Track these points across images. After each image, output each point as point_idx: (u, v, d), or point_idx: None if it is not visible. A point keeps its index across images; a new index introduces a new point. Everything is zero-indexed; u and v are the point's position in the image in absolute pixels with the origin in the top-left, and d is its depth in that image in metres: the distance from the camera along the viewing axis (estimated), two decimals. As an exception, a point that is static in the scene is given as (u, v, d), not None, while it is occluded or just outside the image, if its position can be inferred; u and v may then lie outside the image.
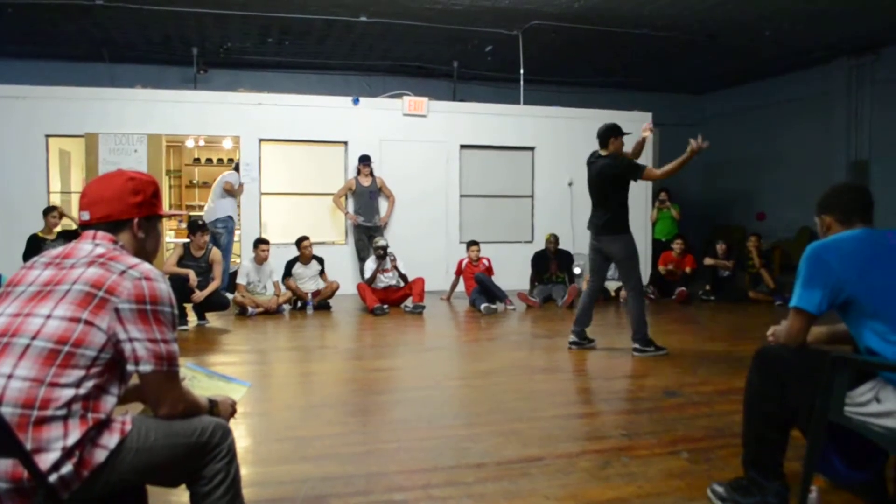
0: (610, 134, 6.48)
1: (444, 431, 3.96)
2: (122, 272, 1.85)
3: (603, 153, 6.49)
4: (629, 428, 4.02)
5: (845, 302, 2.58)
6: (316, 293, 8.96)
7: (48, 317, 1.78)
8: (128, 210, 2.04)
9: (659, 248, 11.39)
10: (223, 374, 2.59)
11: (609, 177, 6.42)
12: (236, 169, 10.34)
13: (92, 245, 1.96)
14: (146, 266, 1.91)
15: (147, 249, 2.10)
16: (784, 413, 2.74)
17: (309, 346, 6.83)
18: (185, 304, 7.61)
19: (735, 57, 12.86)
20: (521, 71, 11.60)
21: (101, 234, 1.99)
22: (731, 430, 3.94)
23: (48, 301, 1.81)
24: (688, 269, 10.08)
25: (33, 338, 1.75)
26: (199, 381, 2.37)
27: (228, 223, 9.95)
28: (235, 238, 10.50)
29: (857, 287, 2.54)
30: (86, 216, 2.03)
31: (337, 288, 9.15)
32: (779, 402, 2.73)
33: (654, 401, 4.69)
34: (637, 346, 6.08)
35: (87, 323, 1.78)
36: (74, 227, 8.84)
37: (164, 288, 1.89)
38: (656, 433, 3.92)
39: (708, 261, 10.17)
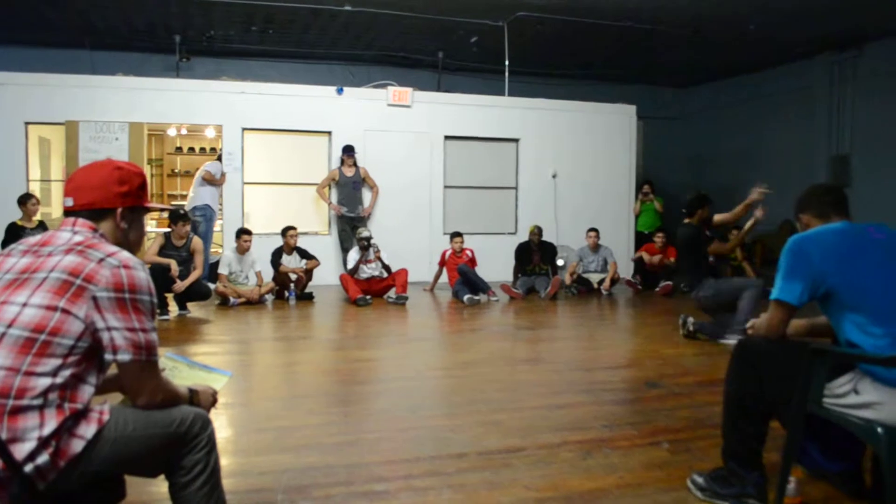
0: (696, 204, 6.83)
1: (426, 422, 3.96)
2: (101, 260, 1.83)
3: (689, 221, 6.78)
4: (610, 419, 4.03)
5: (826, 294, 2.60)
6: (297, 281, 8.91)
7: (24, 305, 1.75)
8: (112, 199, 2.01)
9: (642, 240, 11.46)
10: (204, 363, 2.57)
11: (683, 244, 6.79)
12: (219, 159, 10.26)
13: (70, 233, 1.93)
14: (125, 254, 1.89)
15: (129, 241, 2.07)
16: (763, 404, 2.77)
17: (291, 337, 6.81)
18: (167, 294, 7.56)
19: (719, 51, 12.89)
20: (507, 62, 11.58)
21: (80, 221, 1.96)
22: (711, 421, 3.96)
23: (25, 289, 1.79)
24: (670, 261, 10.11)
25: (9, 326, 1.73)
26: (179, 371, 2.35)
27: (207, 211, 9.88)
28: (217, 228, 10.43)
29: (837, 279, 2.56)
30: (69, 202, 2.00)
31: (317, 265, 9.14)
32: (758, 393, 2.76)
33: (635, 392, 4.72)
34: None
35: (65, 311, 1.76)
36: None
37: (142, 276, 1.87)
38: (637, 424, 3.94)
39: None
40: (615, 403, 4.42)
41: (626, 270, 10.92)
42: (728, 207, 14.98)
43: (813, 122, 13.15)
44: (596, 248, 10.09)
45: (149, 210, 2.16)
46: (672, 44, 12.17)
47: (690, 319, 6.60)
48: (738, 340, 2.94)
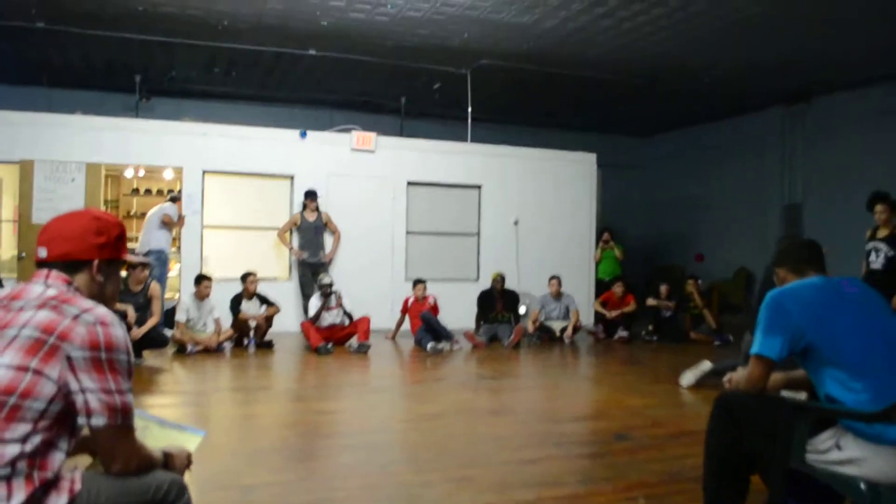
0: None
1: (394, 478, 3.86)
2: (76, 316, 1.73)
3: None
4: (583, 474, 3.98)
5: (805, 348, 2.61)
6: (257, 328, 8.72)
7: (-7, 365, 1.65)
8: (88, 251, 1.91)
9: (602, 287, 11.52)
10: (176, 422, 2.46)
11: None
12: (173, 200, 10.05)
13: (43, 286, 1.82)
14: (102, 310, 1.79)
15: (105, 294, 1.97)
16: (744, 458, 2.76)
17: (251, 387, 6.63)
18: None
19: (676, 102, 13.25)
20: (469, 109, 11.70)
21: (54, 273, 1.86)
22: (684, 475, 3.94)
23: None
24: (628, 309, 10.19)
25: (-25, 388, 1.62)
26: (150, 431, 2.24)
27: (161, 255, 9.63)
28: (175, 272, 10.20)
29: (816, 334, 2.57)
30: (43, 253, 1.90)
31: (277, 311, 8.97)
32: (739, 448, 2.76)
33: (604, 444, 4.67)
34: None
35: (36, 372, 1.65)
36: None
37: (120, 334, 1.78)
38: (610, 479, 3.89)
39: (651, 301, 10.32)
40: (586, 457, 4.38)
41: (587, 317, 10.95)
42: (683, 254, 15.34)
43: (765, 172, 13.53)
44: (558, 295, 10.11)
45: (126, 263, 2.08)
46: (631, 94, 12.46)
47: (708, 365, 6.62)
48: (720, 394, 2.92)
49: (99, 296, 1.93)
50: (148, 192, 13.60)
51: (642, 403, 5.91)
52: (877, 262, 6.83)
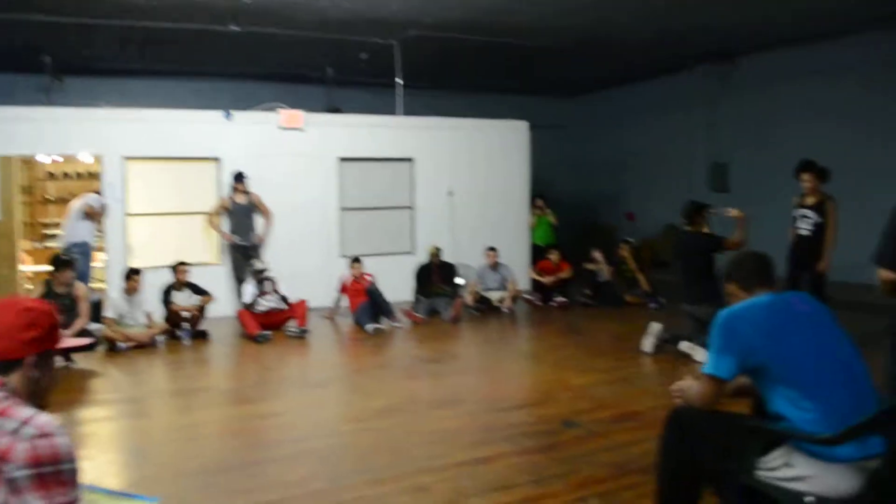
0: (695, 211, 6.99)
1: (348, 493, 3.81)
2: (14, 431, 1.60)
3: (688, 228, 6.98)
4: (536, 471, 4.02)
5: (756, 368, 2.67)
6: (191, 319, 8.48)
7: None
8: (21, 348, 1.77)
9: (537, 252, 11.62)
10: (126, 492, 2.35)
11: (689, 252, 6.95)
12: (98, 193, 9.64)
13: (-26, 395, 1.69)
14: (42, 418, 1.66)
15: (42, 388, 1.83)
16: (696, 473, 2.82)
17: (189, 389, 6.41)
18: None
19: (603, 63, 13.27)
20: (399, 80, 11.48)
21: None
22: (631, 465, 4.03)
23: None
24: (564, 275, 10.30)
25: None
26: None
27: (85, 248, 9.26)
28: (100, 264, 9.82)
29: (767, 354, 2.62)
30: None
31: (211, 301, 8.76)
32: (691, 463, 2.81)
33: (553, 434, 4.72)
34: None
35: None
36: None
37: (64, 443, 1.65)
38: (562, 476, 3.95)
39: (589, 265, 10.43)
40: (537, 451, 4.42)
41: (524, 283, 11.04)
42: (614, 212, 15.55)
43: (691, 130, 13.75)
44: (495, 266, 10.15)
45: (60, 350, 1.94)
46: (558, 58, 12.41)
47: (657, 326, 7.01)
48: (673, 409, 2.96)
49: (35, 391, 1.80)
50: (66, 175, 13.04)
51: (586, 382, 6.01)
52: (805, 228, 7.02)
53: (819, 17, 10.06)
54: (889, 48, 10.31)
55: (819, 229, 6.93)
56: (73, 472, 1.66)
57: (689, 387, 2.91)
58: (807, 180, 7.00)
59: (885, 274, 2.97)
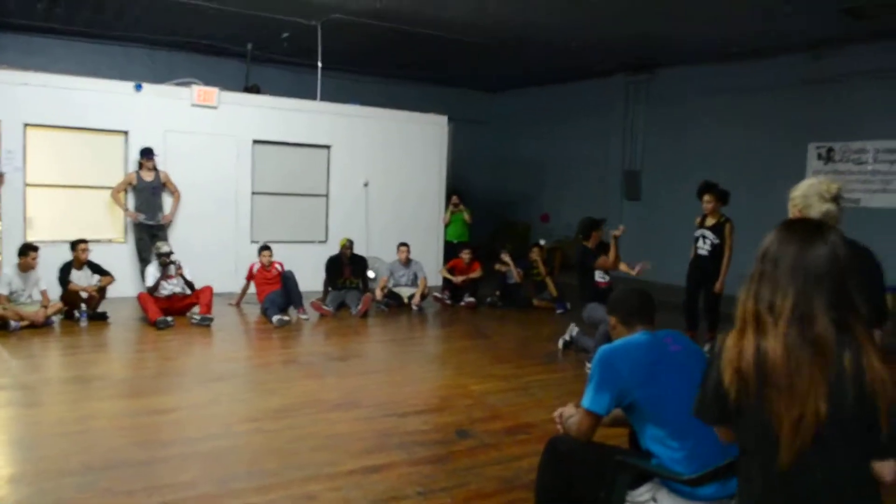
0: (591, 228, 7.52)
1: (235, 499, 3.81)
2: None
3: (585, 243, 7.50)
4: (424, 483, 4.09)
5: (630, 405, 2.80)
6: (89, 299, 8.21)
7: None
8: None
9: (450, 249, 11.71)
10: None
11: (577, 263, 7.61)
12: None
13: None
14: None
15: None
16: (571, 501, 2.95)
17: (83, 377, 6.21)
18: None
19: (525, 62, 13.42)
20: (319, 64, 11.33)
21: None
22: (518, 481, 4.14)
23: None
24: (475, 275, 10.41)
25: None
26: None
27: None
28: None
29: (640, 393, 2.76)
30: None
31: (111, 282, 8.52)
32: (566, 491, 2.95)
33: (446, 444, 4.80)
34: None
35: None
36: None
37: None
38: (450, 489, 4.03)
39: (499, 266, 10.57)
40: (428, 461, 4.48)
41: (435, 280, 11.11)
42: (528, 211, 15.80)
43: (608, 137, 14.09)
44: (407, 262, 10.18)
45: None
46: (481, 53, 12.49)
47: (576, 329, 7.51)
48: (550, 439, 3.07)
49: None
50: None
51: (485, 389, 6.12)
52: (704, 248, 7.35)
53: (734, 39, 10.58)
54: (792, 71, 10.89)
55: (717, 249, 7.26)
56: None
57: (569, 415, 3.04)
58: (708, 201, 7.30)
59: None
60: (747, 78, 11.51)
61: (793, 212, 3.25)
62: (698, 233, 7.43)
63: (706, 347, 6.94)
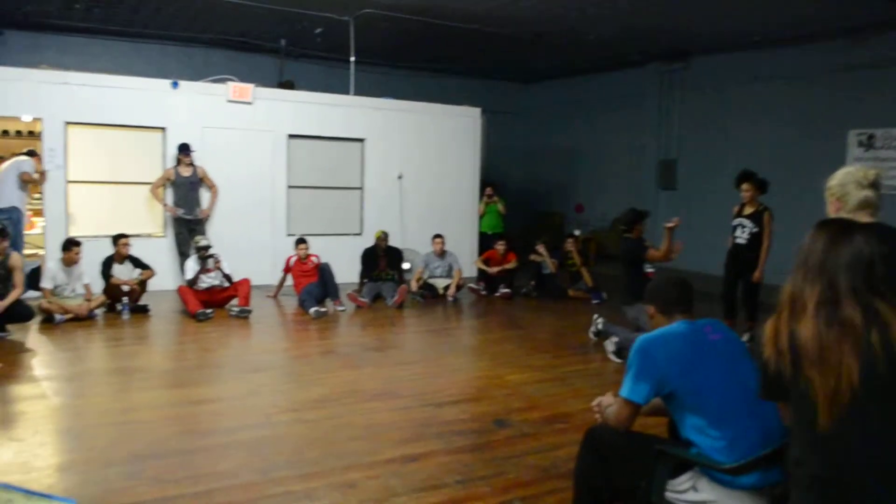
0: (636, 220, 7.27)
1: (277, 486, 3.86)
2: None
3: (627, 235, 7.30)
4: (463, 472, 4.11)
5: (669, 394, 2.79)
6: (130, 293, 8.37)
7: None
8: None
9: (484, 241, 11.72)
10: (44, 492, 2.37)
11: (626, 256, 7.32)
12: (30, 155, 9.32)
13: None
14: None
15: None
16: (610, 491, 2.96)
17: (125, 368, 6.35)
18: (-17, 316, 6.90)
19: (559, 53, 13.34)
20: (352, 59, 11.38)
21: None
22: (556, 470, 4.15)
23: None
24: (510, 266, 10.40)
25: None
26: None
27: (13, 214, 8.90)
28: (38, 230, 9.59)
29: (679, 383, 2.75)
30: None
31: (152, 275, 8.69)
32: (605, 481, 2.96)
33: (484, 434, 4.83)
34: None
35: None
36: None
37: None
38: (488, 478, 4.05)
39: (533, 257, 10.54)
40: (466, 450, 4.51)
41: (469, 272, 11.13)
42: (563, 202, 15.73)
43: (643, 127, 13.95)
44: (442, 254, 10.22)
45: None
46: (516, 45, 12.45)
47: (601, 319, 7.32)
48: (589, 428, 3.07)
49: None
50: (5, 133, 12.63)
51: (521, 379, 6.12)
52: (742, 237, 7.28)
53: (770, 25, 10.38)
54: (832, 57, 10.68)
55: (755, 238, 7.18)
56: None
57: (608, 405, 3.04)
58: (746, 190, 7.22)
59: None
60: (785, 65, 11.32)
61: (830, 201, 3.21)
62: (736, 221, 7.36)
63: (745, 337, 6.95)
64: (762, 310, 7.46)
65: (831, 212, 3.18)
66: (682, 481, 2.73)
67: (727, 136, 12.30)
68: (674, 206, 12.71)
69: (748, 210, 7.28)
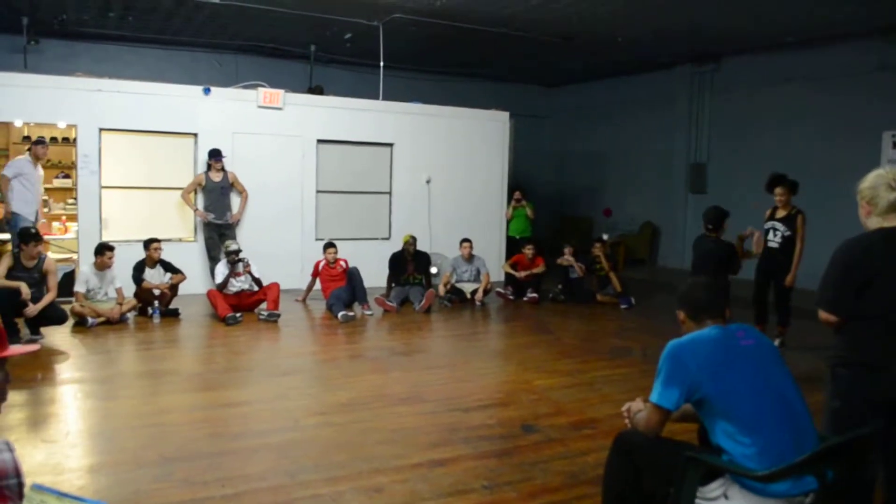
0: (723, 218, 6.98)
1: (306, 490, 3.88)
2: None
3: (711, 235, 7.00)
4: (490, 477, 4.09)
5: (699, 400, 2.75)
6: (161, 296, 8.46)
7: None
8: None
9: (512, 245, 11.69)
10: (76, 494, 2.38)
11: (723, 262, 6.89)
12: (38, 143, 9.27)
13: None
14: None
15: None
16: (639, 497, 2.91)
17: (156, 371, 6.44)
18: (17, 319, 7.01)
19: (588, 56, 13.28)
20: (381, 64, 11.43)
21: None
22: (584, 476, 4.11)
23: None
24: (538, 270, 10.36)
25: None
26: None
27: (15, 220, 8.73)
28: (72, 234, 9.74)
29: (710, 388, 2.70)
30: None
31: (183, 279, 8.78)
32: (634, 487, 2.91)
33: (512, 438, 4.80)
34: None
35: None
36: None
37: (7, 458, 1.70)
38: (515, 483, 4.02)
39: (561, 261, 10.48)
40: (493, 455, 4.49)
41: (497, 276, 11.11)
42: (591, 206, 15.62)
43: (673, 129, 13.82)
44: (469, 258, 10.21)
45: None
46: (543, 49, 12.41)
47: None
48: (618, 434, 3.04)
49: None
50: (41, 140, 12.85)
51: (549, 384, 6.09)
52: (774, 241, 7.18)
53: (802, 25, 10.24)
54: (866, 57, 10.51)
55: (788, 242, 7.08)
56: (17, 486, 1.70)
57: (637, 410, 3.01)
58: (780, 194, 7.13)
59: (824, 316, 3.08)
60: (817, 65, 11.16)
61: (861, 204, 3.15)
62: (768, 225, 7.25)
63: (776, 342, 6.84)
64: (794, 315, 7.35)
65: (862, 215, 3.12)
66: (713, 488, 2.69)
67: (758, 138, 12.15)
68: (704, 210, 12.56)
69: (781, 213, 7.18)
